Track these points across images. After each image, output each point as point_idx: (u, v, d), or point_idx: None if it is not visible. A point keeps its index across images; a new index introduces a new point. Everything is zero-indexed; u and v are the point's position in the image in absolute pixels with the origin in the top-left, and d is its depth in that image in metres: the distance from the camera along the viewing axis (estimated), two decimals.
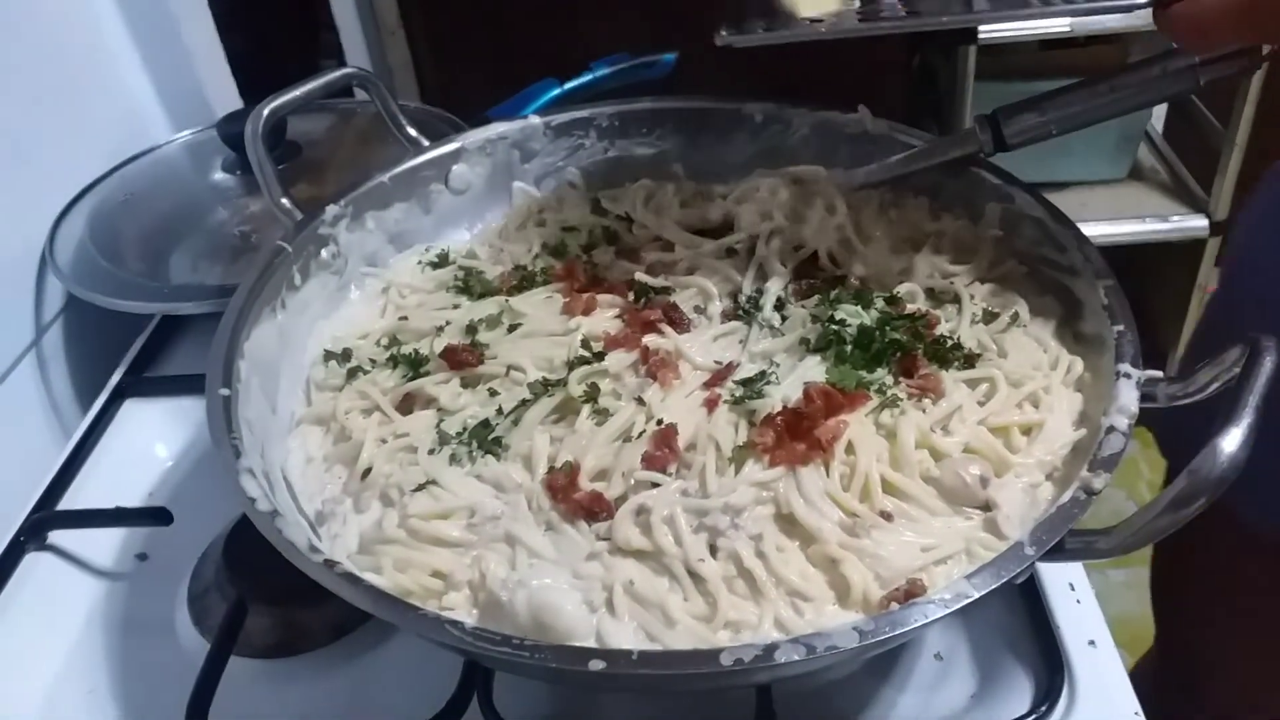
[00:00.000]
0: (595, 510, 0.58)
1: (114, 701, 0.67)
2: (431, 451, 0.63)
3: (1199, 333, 0.60)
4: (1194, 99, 1.72)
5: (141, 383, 0.92)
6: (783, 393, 0.63)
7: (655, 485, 0.59)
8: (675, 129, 0.86)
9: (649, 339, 0.69)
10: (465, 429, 0.64)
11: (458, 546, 0.58)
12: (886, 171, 0.79)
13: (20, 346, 0.93)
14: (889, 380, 0.64)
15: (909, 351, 0.66)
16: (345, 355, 0.72)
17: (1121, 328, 0.61)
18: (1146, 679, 0.63)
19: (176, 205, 1.01)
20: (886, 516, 0.57)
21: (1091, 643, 0.65)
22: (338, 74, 0.79)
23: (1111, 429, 0.55)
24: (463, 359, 0.68)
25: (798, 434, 0.60)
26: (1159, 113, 1.86)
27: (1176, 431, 0.56)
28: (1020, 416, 0.62)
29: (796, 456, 0.58)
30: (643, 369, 0.66)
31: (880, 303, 0.71)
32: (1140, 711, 0.62)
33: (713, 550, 0.56)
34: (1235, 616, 0.88)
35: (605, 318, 0.72)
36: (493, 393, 0.67)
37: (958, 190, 0.77)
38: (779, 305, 0.72)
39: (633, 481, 0.59)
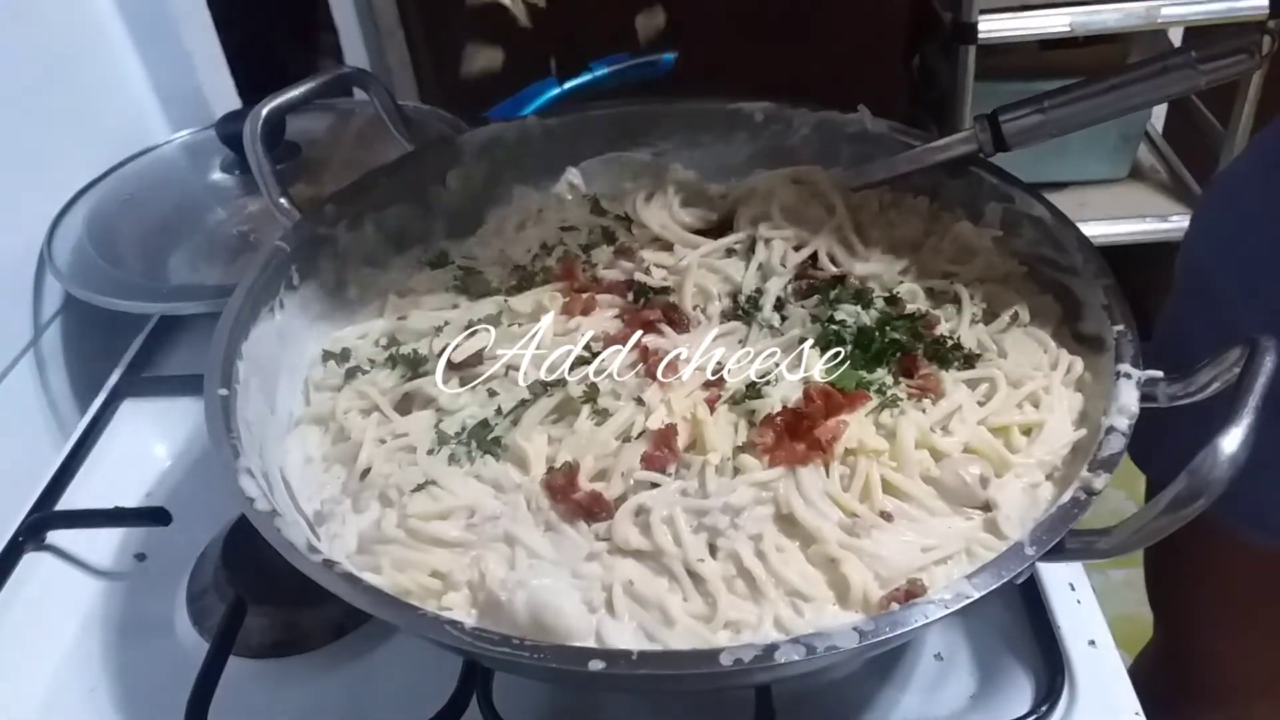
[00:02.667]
0: (594, 510, 0.58)
1: (113, 701, 0.67)
2: (430, 451, 0.63)
3: (1155, 340, 0.60)
4: (1193, 98, 1.72)
5: (140, 383, 0.92)
6: (782, 393, 0.63)
7: (655, 485, 0.59)
8: (675, 129, 0.86)
9: (649, 339, 0.69)
10: (464, 429, 0.64)
11: (457, 546, 0.58)
12: (886, 171, 0.79)
13: (18, 346, 0.93)
14: (889, 380, 0.64)
15: (909, 351, 0.66)
16: (344, 355, 0.72)
17: (1121, 328, 0.61)
18: (1147, 671, 0.63)
19: (175, 205, 1.01)
20: (886, 516, 0.57)
21: (1092, 643, 0.65)
22: (336, 73, 0.79)
23: (1111, 429, 0.55)
24: (462, 359, 0.68)
25: (797, 434, 0.60)
26: (1159, 112, 1.86)
27: (1148, 436, 0.56)
28: (1020, 416, 0.62)
29: (796, 456, 0.58)
30: (642, 369, 0.66)
31: (880, 303, 0.71)
32: (1140, 712, 0.62)
33: (712, 550, 0.56)
34: (1231, 610, 0.88)
35: (605, 318, 0.72)
36: (492, 393, 0.67)
37: (957, 190, 0.77)
38: (779, 305, 0.72)
39: (632, 482, 0.59)
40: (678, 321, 0.71)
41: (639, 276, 0.75)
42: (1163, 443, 0.56)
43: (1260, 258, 0.72)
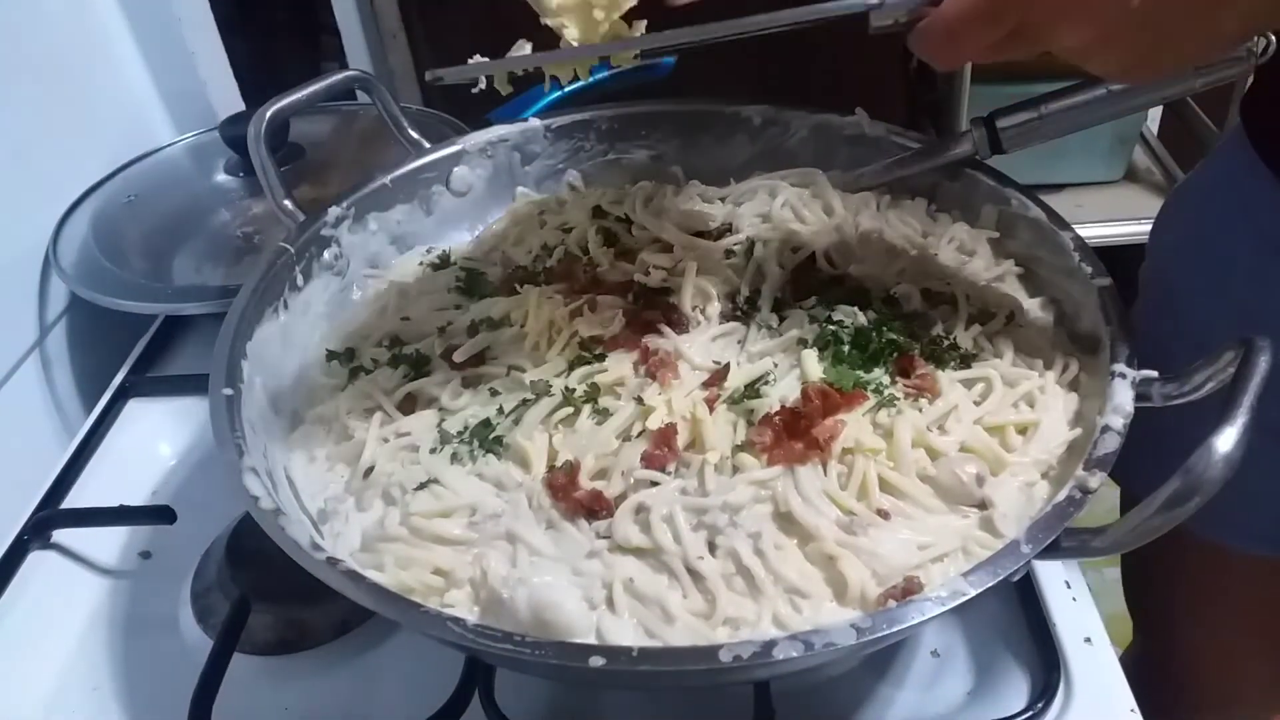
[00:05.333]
0: (595, 508, 0.59)
1: (117, 699, 0.67)
2: (433, 450, 0.64)
3: None
4: (1188, 101, 1.72)
5: (145, 382, 0.92)
6: (780, 392, 0.63)
7: (654, 484, 0.59)
8: (674, 131, 0.87)
9: (648, 339, 0.69)
10: (466, 428, 0.65)
11: (459, 544, 0.58)
12: (884, 173, 0.79)
13: (24, 346, 0.93)
14: (886, 380, 0.65)
15: (906, 351, 0.66)
16: (347, 355, 0.72)
17: (1116, 328, 0.62)
18: (1129, 669, 0.64)
19: (180, 207, 1.02)
20: (884, 515, 0.58)
21: (1087, 640, 0.65)
22: (340, 77, 0.79)
23: (1106, 429, 0.56)
24: (465, 359, 0.69)
25: (795, 433, 0.60)
26: (1154, 114, 1.86)
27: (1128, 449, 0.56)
28: (1016, 416, 0.63)
29: (794, 455, 0.59)
30: (642, 369, 0.67)
31: (877, 303, 0.71)
32: (1136, 709, 0.62)
33: (711, 548, 0.56)
34: (1214, 615, 0.88)
35: (605, 318, 0.72)
36: (494, 392, 0.67)
37: (954, 192, 0.78)
38: (777, 306, 0.72)
39: (632, 480, 0.60)
40: (677, 322, 0.71)
41: (639, 277, 0.76)
42: (1144, 453, 0.56)
43: (1223, 259, 0.72)
